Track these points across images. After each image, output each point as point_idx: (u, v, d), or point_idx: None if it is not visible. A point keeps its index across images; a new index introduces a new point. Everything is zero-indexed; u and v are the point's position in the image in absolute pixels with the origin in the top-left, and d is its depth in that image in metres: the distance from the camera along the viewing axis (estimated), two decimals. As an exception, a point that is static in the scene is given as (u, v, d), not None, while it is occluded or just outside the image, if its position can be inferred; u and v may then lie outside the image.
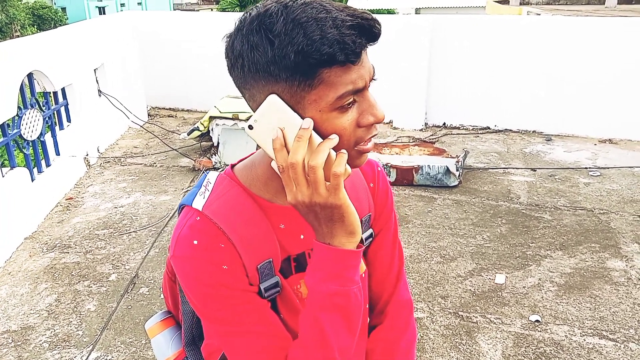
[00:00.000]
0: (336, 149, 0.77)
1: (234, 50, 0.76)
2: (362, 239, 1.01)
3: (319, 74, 0.73)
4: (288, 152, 0.76)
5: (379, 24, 0.75)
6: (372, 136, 0.82)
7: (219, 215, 0.84)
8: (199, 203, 0.86)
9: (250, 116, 0.78)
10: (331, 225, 0.80)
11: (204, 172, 0.94)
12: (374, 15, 0.76)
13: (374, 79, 0.80)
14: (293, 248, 0.91)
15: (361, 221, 0.99)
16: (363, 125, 0.79)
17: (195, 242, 0.82)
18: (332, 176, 0.75)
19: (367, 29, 0.74)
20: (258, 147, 0.82)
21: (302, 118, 0.76)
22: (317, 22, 0.71)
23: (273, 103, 0.75)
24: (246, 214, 0.86)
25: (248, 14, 0.76)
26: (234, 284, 0.83)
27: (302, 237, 0.91)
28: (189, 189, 4.16)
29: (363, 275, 0.98)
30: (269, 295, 0.87)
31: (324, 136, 0.77)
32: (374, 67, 0.80)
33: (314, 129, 0.76)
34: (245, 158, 0.94)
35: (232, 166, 0.94)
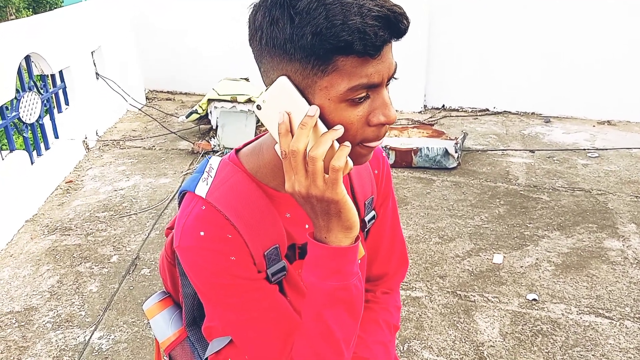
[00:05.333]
0: (341, 141, 0.74)
1: (255, 21, 0.73)
2: (364, 221, 1.01)
3: (334, 61, 0.69)
4: None
5: (407, 20, 0.71)
6: (381, 137, 0.79)
7: (223, 202, 0.82)
8: (202, 190, 0.84)
9: (260, 95, 0.76)
10: (327, 218, 0.77)
11: (205, 157, 0.93)
12: (405, 10, 0.72)
13: (394, 78, 0.76)
14: (299, 237, 0.90)
15: (364, 204, 0.99)
16: (373, 124, 0.75)
17: (202, 233, 0.81)
18: (330, 170, 0.72)
19: (392, 23, 0.70)
20: (257, 131, 0.82)
21: (311, 104, 0.72)
22: (342, 6, 0.67)
23: (283, 85, 0.73)
24: (251, 201, 0.84)
25: None
26: (242, 274, 0.82)
27: (307, 226, 0.90)
28: (188, 171, 4.17)
29: (359, 261, 0.95)
30: (275, 279, 0.87)
31: (330, 126, 0.73)
32: (397, 65, 0.75)
33: (321, 117, 0.73)
34: (252, 142, 0.91)
35: (237, 150, 0.90)
